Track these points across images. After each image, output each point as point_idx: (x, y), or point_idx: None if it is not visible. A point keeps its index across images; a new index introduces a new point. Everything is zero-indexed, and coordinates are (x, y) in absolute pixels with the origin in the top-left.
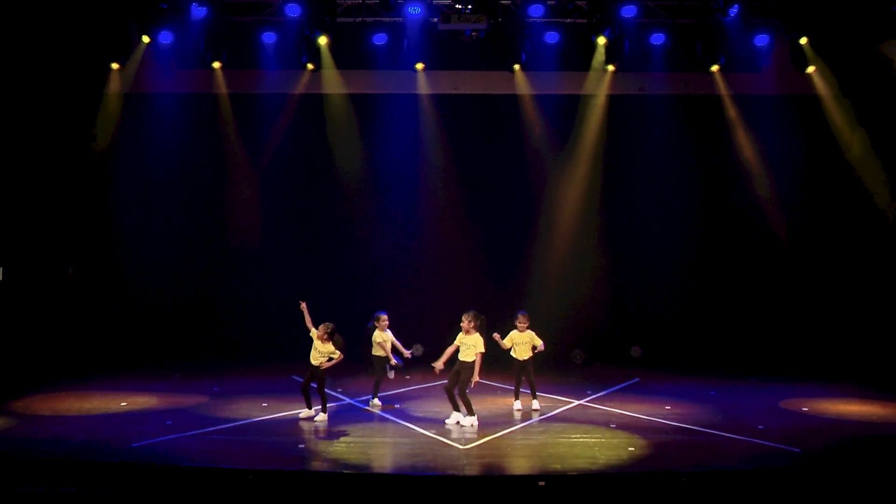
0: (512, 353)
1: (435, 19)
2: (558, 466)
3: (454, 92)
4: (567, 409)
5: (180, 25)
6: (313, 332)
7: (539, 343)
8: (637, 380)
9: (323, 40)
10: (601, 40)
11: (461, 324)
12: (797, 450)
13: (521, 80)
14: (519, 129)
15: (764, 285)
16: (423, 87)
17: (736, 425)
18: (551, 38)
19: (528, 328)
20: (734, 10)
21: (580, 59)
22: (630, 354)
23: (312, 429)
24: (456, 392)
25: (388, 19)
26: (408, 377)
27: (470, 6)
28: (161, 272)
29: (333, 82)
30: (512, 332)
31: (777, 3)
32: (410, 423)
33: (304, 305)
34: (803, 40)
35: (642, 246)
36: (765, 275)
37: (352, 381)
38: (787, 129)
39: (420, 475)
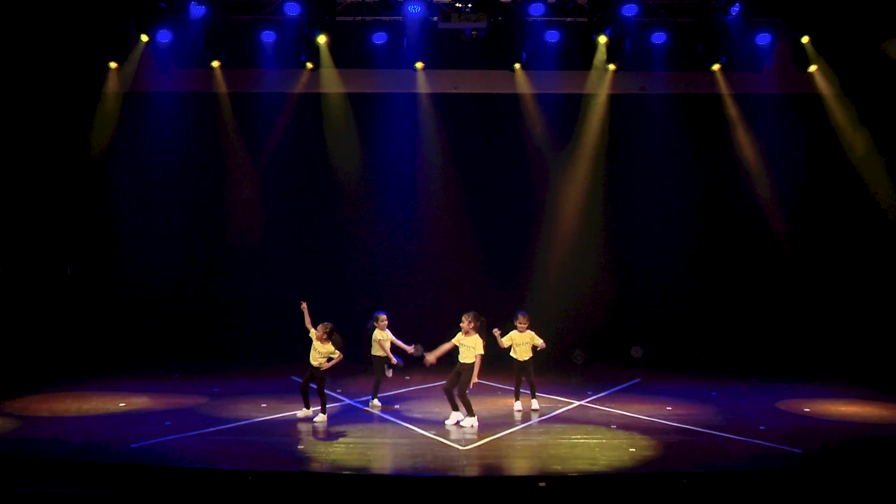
0: (512, 353)
1: (435, 18)
2: (559, 467)
3: (454, 91)
4: (568, 410)
5: (179, 24)
6: (312, 333)
7: (539, 342)
8: (638, 380)
9: (322, 39)
10: (602, 39)
11: (461, 324)
12: (798, 450)
13: (521, 80)
14: (519, 128)
15: (765, 285)
16: (423, 86)
17: (737, 426)
18: (552, 36)
19: (528, 328)
20: (735, 9)
21: (581, 58)
22: (631, 355)
23: (312, 429)
24: (456, 393)
25: (387, 18)
26: (408, 378)
27: (470, 5)
28: (160, 272)
29: (333, 81)
30: (512, 333)
31: (778, 2)
32: (410, 423)
33: (304, 305)
34: (805, 39)
35: (643, 246)
36: (766, 275)
37: (351, 382)
38: (788, 128)
39: (420, 476)
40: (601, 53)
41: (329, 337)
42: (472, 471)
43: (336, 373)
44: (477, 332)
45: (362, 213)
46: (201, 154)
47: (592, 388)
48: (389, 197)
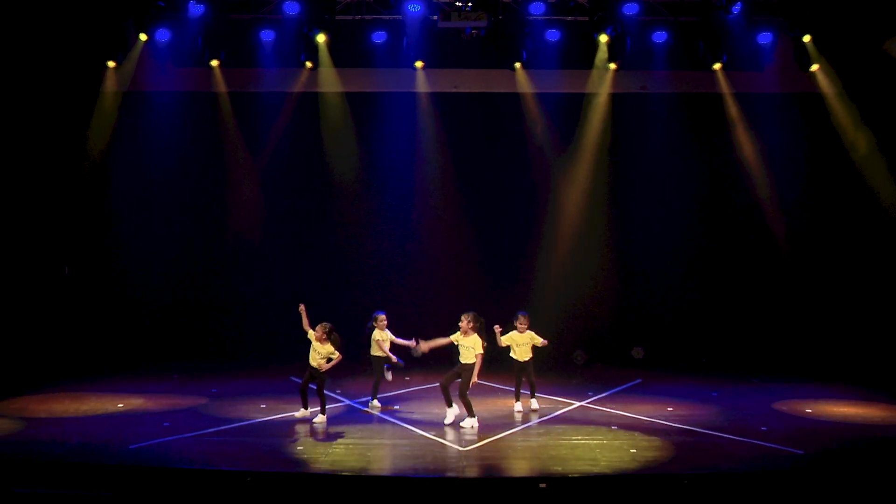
0: (512, 354)
1: (435, 17)
2: (559, 468)
3: (454, 90)
4: (568, 411)
5: (178, 23)
6: (311, 334)
7: (539, 341)
8: (639, 381)
9: (321, 38)
10: (603, 38)
11: (459, 323)
12: (800, 451)
13: (522, 79)
14: (519, 127)
15: (766, 286)
16: (423, 85)
17: (738, 427)
18: (552, 35)
19: (527, 329)
20: (737, 8)
21: (582, 57)
22: (632, 355)
23: (311, 430)
24: (455, 393)
25: (387, 17)
26: (407, 378)
27: (470, 4)
28: (158, 272)
29: (332, 81)
30: (511, 333)
31: (780, 1)
32: (410, 424)
33: (302, 307)
34: (806, 38)
35: (644, 246)
36: (767, 275)
37: (351, 383)
38: (789, 127)
39: (420, 477)
40: (602, 52)
41: (328, 337)
42: (471, 472)
43: (336, 373)
44: (476, 333)
45: (362, 213)
46: (200, 154)
47: (593, 388)
48: (389, 197)
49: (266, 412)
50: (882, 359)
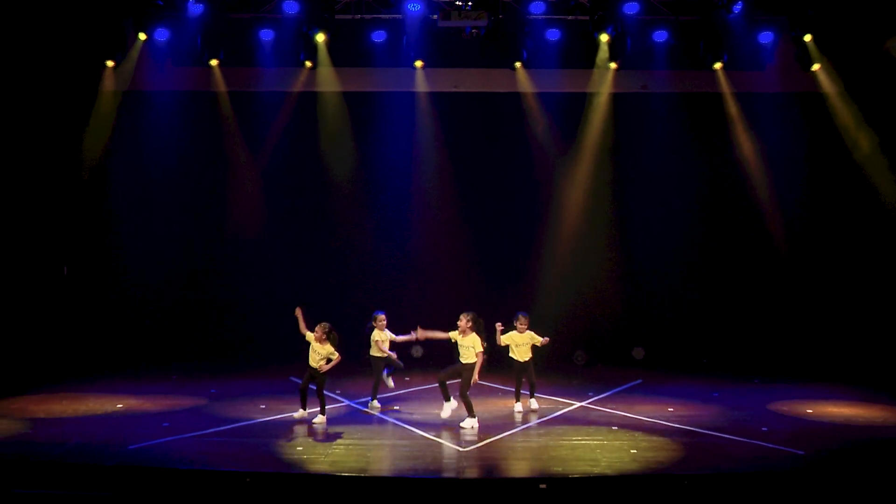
0: (511, 354)
1: (435, 16)
2: (559, 469)
3: (454, 90)
4: (569, 411)
5: (177, 22)
6: (309, 336)
7: (539, 340)
8: (639, 381)
9: (321, 37)
10: (603, 38)
11: (458, 322)
12: (801, 452)
13: (522, 78)
14: (519, 127)
15: (768, 286)
16: (423, 84)
17: (739, 427)
18: (553, 35)
19: (527, 329)
20: (738, 7)
21: (582, 56)
22: (632, 356)
23: (311, 431)
24: (456, 393)
25: (387, 16)
26: (407, 378)
27: (470, 3)
28: (158, 272)
29: (332, 80)
30: (511, 333)
31: (781, 0)
32: (409, 425)
33: (298, 311)
34: (807, 38)
35: (644, 246)
36: (769, 275)
37: (351, 383)
38: (791, 127)
39: (419, 478)
40: (602, 52)
41: (327, 337)
42: (471, 472)
43: (335, 374)
44: (474, 332)
45: (361, 213)
46: (200, 153)
47: (594, 388)
48: (389, 196)
49: (266, 412)
50: (883, 359)
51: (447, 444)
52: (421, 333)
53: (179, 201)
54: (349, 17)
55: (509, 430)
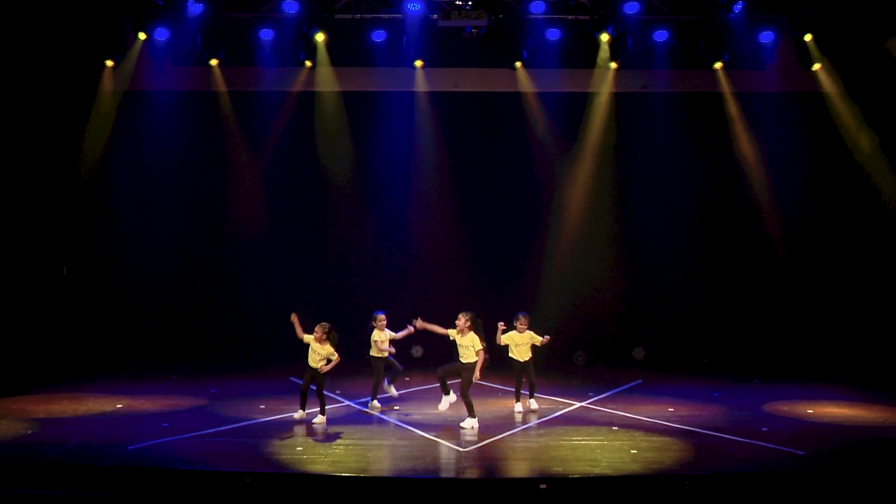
0: (511, 354)
1: (435, 16)
2: (560, 469)
3: (454, 90)
4: (569, 411)
5: (176, 22)
6: (307, 339)
7: (539, 340)
8: (640, 381)
9: (321, 37)
10: (604, 37)
11: (457, 321)
12: (801, 452)
13: (522, 78)
14: (520, 127)
15: (768, 286)
16: (423, 84)
17: (739, 427)
18: (553, 34)
19: (527, 329)
20: (738, 7)
21: (582, 56)
22: (633, 356)
23: (311, 431)
24: (458, 393)
25: (387, 16)
26: (407, 378)
27: (470, 3)
28: (158, 272)
29: (332, 80)
30: (511, 333)
31: (781, 0)
32: (409, 425)
33: (294, 317)
34: (808, 37)
35: (645, 246)
36: (769, 275)
37: (351, 383)
38: (791, 126)
39: (419, 478)
40: (603, 52)
41: (327, 337)
42: (471, 473)
43: (335, 374)
44: (472, 332)
45: (361, 213)
46: (200, 153)
47: (594, 389)
48: (389, 196)
49: (265, 413)
50: (884, 360)
51: (447, 444)
52: (420, 324)
53: (179, 201)
54: (349, 16)
55: (509, 431)
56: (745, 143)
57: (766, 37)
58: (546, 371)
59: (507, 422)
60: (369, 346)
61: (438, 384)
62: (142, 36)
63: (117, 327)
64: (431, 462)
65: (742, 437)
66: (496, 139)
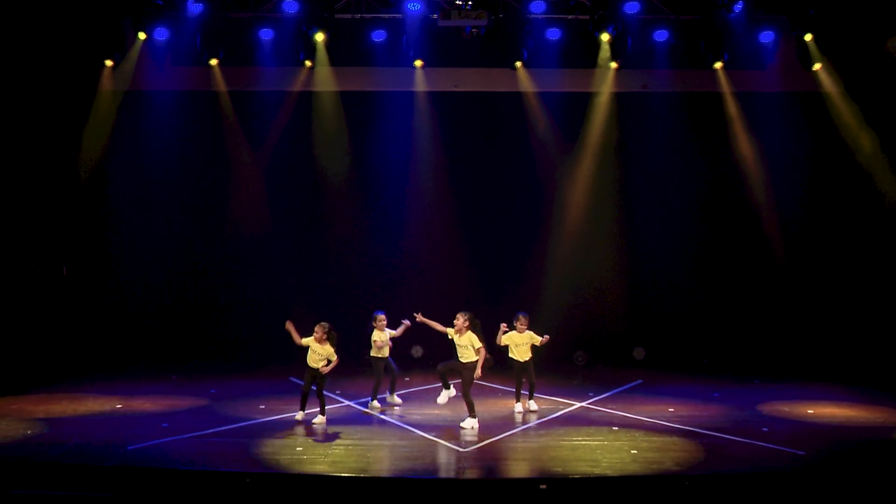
0: (511, 354)
1: (435, 16)
2: (560, 469)
3: (454, 89)
4: (569, 412)
5: (176, 22)
6: (306, 341)
7: (539, 340)
8: (640, 381)
9: (320, 37)
10: (604, 37)
11: (455, 322)
12: (802, 453)
13: (523, 78)
14: (520, 126)
15: (769, 286)
16: (423, 84)
17: (740, 428)
18: (553, 34)
19: (527, 329)
20: (738, 7)
21: (583, 56)
22: (633, 356)
23: (311, 431)
24: (459, 393)
25: (387, 16)
26: (407, 378)
27: (470, 2)
28: (158, 272)
29: (331, 79)
30: (511, 333)
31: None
32: (409, 425)
33: (290, 325)
34: (808, 37)
35: (645, 246)
36: (769, 275)
37: (350, 383)
38: (792, 126)
39: (419, 478)
40: (603, 51)
41: (327, 337)
42: (471, 473)
43: (335, 374)
44: (470, 332)
45: (361, 213)
46: (200, 153)
47: (594, 389)
48: (389, 196)
49: (265, 413)
50: (885, 360)
51: (447, 444)
52: (420, 319)
53: (179, 201)
54: (349, 16)
55: (509, 431)
56: (745, 143)
57: (767, 36)
58: (546, 371)
59: (507, 422)
60: (369, 347)
61: (440, 380)
62: (142, 36)
63: (117, 327)
64: (431, 462)
65: (742, 437)
66: (496, 139)
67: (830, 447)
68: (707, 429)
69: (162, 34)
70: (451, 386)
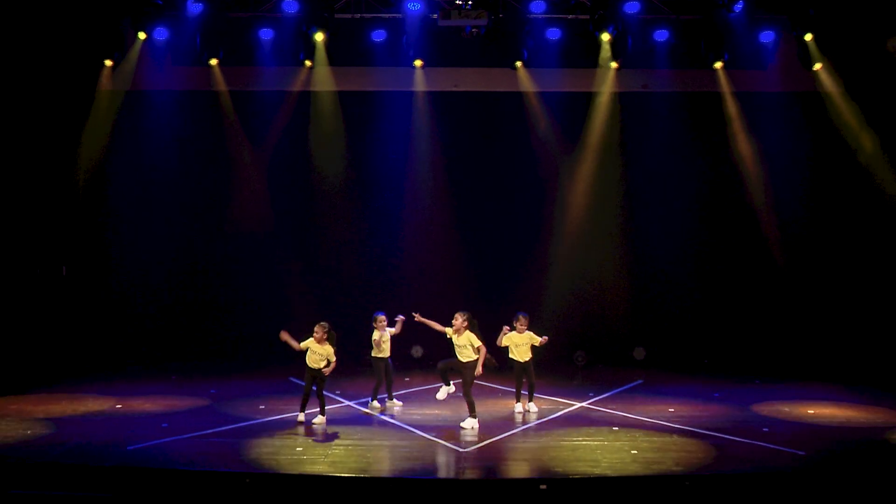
0: (511, 355)
1: (435, 15)
2: (560, 469)
3: (454, 89)
4: (569, 412)
5: (176, 21)
6: (306, 343)
7: (538, 340)
8: (640, 381)
9: (320, 37)
10: (604, 37)
11: (453, 321)
12: (802, 453)
13: (523, 77)
14: (520, 126)
15: (769, 286)
16: (423, 84)
17: (740, 428)
18: (553, 34)
19: (527, 329)
20: (739, 6)
21: (583, 55)
22: (633, 356)
23: (310, 431)
24: (460, 392)
25: (387, 15)
26: (407, 378)
27: (470, 2)
28: (158, 272)
29: (331, 79)
30: (511, 333)
31: None
32: (409, 425)
33: (286, 335)
34: (808, 37)
35: (645, 246)
36: (770, 275)
37: (350, 383)
38: (792, 126)
39: (419, 478)
40: (604, 51)
41: (328, 337)
42: (472, 473)
43: (335, 374)
44: (469, 332)
45: (361, 213)
46: (199, 153)
47: (594, 389)
48: (389, 196)
49: (265, 413)
50: (885, 361)
51: (447, 444)
52: (418, 318)
53: (179, 201)
54: (349, 16)
55: (509, 431)
56: (745, 143)
57: (767, 36)
58: (546, 371)
59: (507, 422)
60: (370, 347)
61: (440, 378)
62: (141, 35)
63: (117, 327)
64: (431, 462)
65: (742, 437)
66: (496, 139)
67: (830, 447)
68: (707, 429)
69: (162, 34)
70: (452, 383)
